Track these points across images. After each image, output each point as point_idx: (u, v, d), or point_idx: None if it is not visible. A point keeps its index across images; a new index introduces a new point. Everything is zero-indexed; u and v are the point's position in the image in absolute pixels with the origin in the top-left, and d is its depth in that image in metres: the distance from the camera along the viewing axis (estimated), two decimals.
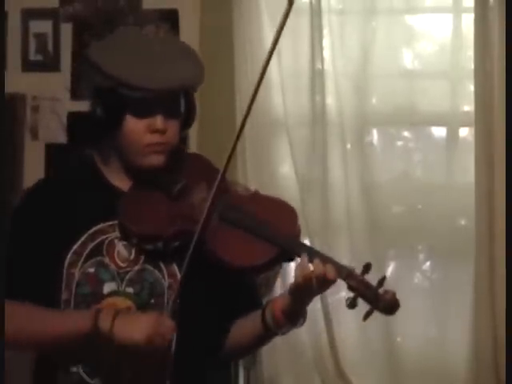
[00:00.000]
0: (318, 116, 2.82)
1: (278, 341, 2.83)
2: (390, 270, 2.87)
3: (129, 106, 1.83)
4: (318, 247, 2.76)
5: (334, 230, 2.82)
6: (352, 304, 1.73)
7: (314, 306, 2.81)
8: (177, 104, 1.88)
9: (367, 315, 1.74)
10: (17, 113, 3.20)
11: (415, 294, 2.87)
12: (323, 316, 2.77)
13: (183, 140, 3.00)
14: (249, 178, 2.84)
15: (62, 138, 3.14)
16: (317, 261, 1.75)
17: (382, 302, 1.71)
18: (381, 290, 1.72)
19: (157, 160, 1.87)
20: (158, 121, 1.84)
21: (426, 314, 2.83)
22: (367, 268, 1.74)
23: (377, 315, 2.79)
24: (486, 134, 2.68)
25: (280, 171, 2.89)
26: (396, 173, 2.85)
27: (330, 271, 1.75)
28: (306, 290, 1.78)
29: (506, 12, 2.47)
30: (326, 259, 1.76)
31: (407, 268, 2.91)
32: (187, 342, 1.88)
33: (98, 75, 1.85)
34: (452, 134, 2.81)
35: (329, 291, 2.75)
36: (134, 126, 1.84)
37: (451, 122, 2.80)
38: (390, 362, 2.79)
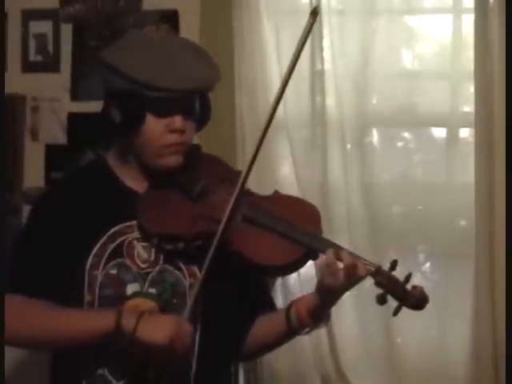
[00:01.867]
0: (318, 117, 2.81)
1: None
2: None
3: (149, 107, 1.83)
4: None
5: (334, 230, 2.80)
6: (382, 300, 1.74)
7: None
8: (193, 104, 1.90)
9: (396, 311, 1.74)
10: (17, 113, 3.19)
11: None
12: None
13: None
14: (249, 178, 2.83)
15: (61, 138, 3.14)
16: (346, 257, 1.75)
17: (411, 298, 1.72)
18: (408, 286, 1.72)
19: (176, 160, 1.88)
20: (177, 121, 1.85)
21: (425, 314, 2.80)
22: (394, 264, 1.75)
23: (376, 315, 2.81)
24: (486, 135, 2.68)
25: (280, 172, 2.89)
26: (396, 173, 2.85)
27: (361, 267, 1.75)
28: (334, 287, 1.77)
29: (506, 13, 2.47)
30: (354, 255, 1.76)
31: (407, 268, 2.89)
32: (209, 340, 1.88)
33: (116, 77, 1.85)
34: (452, 135, 2.81)
35: None
36: (153, 126, 1.85)
37: (451, 123, 2.80)
38: (389, 362, 2.79)
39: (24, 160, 3.20)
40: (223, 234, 1.79)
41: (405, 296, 1.74)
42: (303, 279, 2.80)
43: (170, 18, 3.02)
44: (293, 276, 2.78)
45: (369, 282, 2.80)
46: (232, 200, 1.81)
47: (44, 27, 3.18)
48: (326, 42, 2.81)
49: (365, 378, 2.82)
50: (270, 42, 2.86)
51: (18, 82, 3.15)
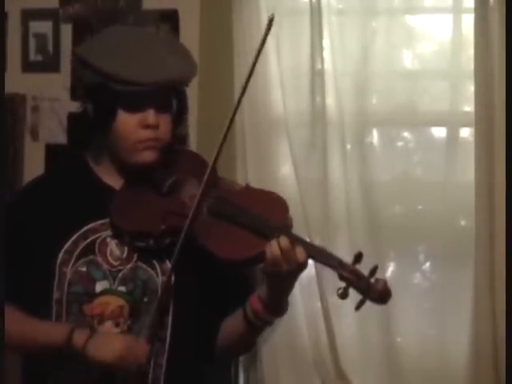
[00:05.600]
0: (317, 116, 2.81)
1: (278, 341, 2.84)
2: (389, 270, 2.86)
3: (120, 101, 1.82)
4: None
5: (334, 230, 2.81)
6: (343, 294, 1.72)
7: (314, 306, 2.81)
8: (168, 98, 1.88)
9: (360, 305, 1.73)
10: (17, 113, 3.19)
11: (415, 295, 2.86)
12: (323, 316, 2.77)
13: (183, 139, 3.03)
14: (249, 178, 2.83)
15: (61, 138, 3.14)
16: (284, 243, 1.73)
17: (374, 292, 1.71)
18: (372, 280, 1.71)
19: (149, 156, 1.87)
20: (150, 115, 1.84)
21: (425, 314, 2.83)
22: (358, 258, 1.73)
23: (376, 314, 2.81)
24: (486, 135, 2.68)
25: (280, 171, 2.89)
26: (396, 173, 2.85)
27: (300, 253, 1.74)
28: (276, 273, 1.76)
29: (506, 12, 2.47)
30: (296, 242, 1.75)
31: (407, 268, 2.90)
32: (181, 339, 1.88)
33: (89, 72, 1.85)
34: (452, 135, 2.81)
35: (329, 291, 2.77)
36: (126, 121, 1.84)
37: (451, 123, 2.80)
38: (389, 362, 2.79)
39: (24, 160, 3.20)
40: (190, 229, 1.79)
41: (368, 289, 1.72)
42: (303, 279, 2.80)
43: (170, 18, 3.03)
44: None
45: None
46: (198, 195, 1.81)
47: (44, 27, 3.18)
48: (325, 42, 2.80)
49: (364, 377, 2.82)
50: (270, 41, 2.85)
51: (18, 81, 3.15)
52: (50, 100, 3.16)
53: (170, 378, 1.88)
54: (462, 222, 2.82)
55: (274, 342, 2.81)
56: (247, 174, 2.84)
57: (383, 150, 2.86)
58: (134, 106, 1.84)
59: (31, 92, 3.20)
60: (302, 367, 2.86)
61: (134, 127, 1.84)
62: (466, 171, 2.73)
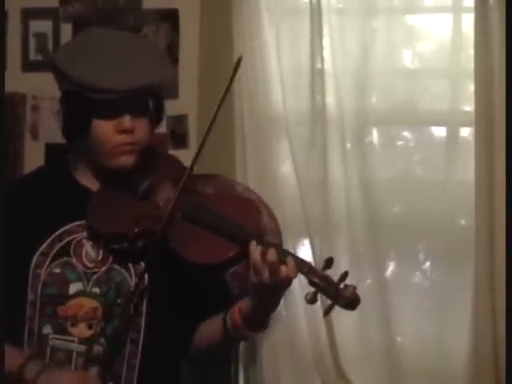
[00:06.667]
0: (317, 115, 2.81)
1: (278, 341, 2.83)
2: (389, 270, 2.86)
3: (95, 109, 1.82)
4: (318, 246, 2.79)
5: (334, 229, 2.81)
6: (312, 299, 1.73)
7: (314, 306, 2.79)
8: (144, 103, 1.88)
9: (328, 310, 1.74)
10: (17, 113, 3.19)
11: (415, 294, 2.86)
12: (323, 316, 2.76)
13: (183, 137, 3.03)
14: (248, 177, 2.84)
15: (61, 137, 3.12)
16: (270, 255, 1.72)
17: (343, 298, 1.71)
18: (341, 286, 1.71)
19: (126, 160, 1.87)
20: (126, 121, 1.84)
21: (425, 313, 2.83)
22: (329, 263, 1.73)
23: (376, 313, 2.81)
24: (486, 134, 2.67)
25: (280, 170, 2.88)
26: (396, 172, 2.84)
27: (289, 267, 1.72)
28: (261, 286, 1.75)
29: (506, 11, 2.47)
30: (283, 253, 1.74)
31: (407, 267, 2.90)
32: (155, 341, 1.87)
33: (63, 79, 1.85)
34: (452, 134, 2.81)
35: None
36: (101, 127, 1.84)
37: (451, 122, 2.80)
38: (389, 361, 2.79)
39: (24, 159, 3.20)
40: (163, 232, 1.79)
41: (337, 295, 1.72)
42: (303, 280, 2.80)
43: (170, 17, 3.03)
44: None
45: (369, 278, 2.82)
46: (173, 199, 1.81)
47: (44, 26, 3.19)
48: (325, 41, 2.80)
49: (364, 376, 2.82)
50: (270, 41, 2.86)
51: (18, 80, 3.15)
52: (50, 99, 3.16)
53: (144, 380, 1.87)
54: (462, 221, 2.82)
55: (274, 340, 2.81)
56: (246, 173, 2.84)
57: (383, 148, 2.86)
58: (110, 113, 1.84)
59: (31, 91, 3.20)
60: (302, 365, 2.86)
61: (110, 132, 1.85)
62: (466, 170, 2.73)
